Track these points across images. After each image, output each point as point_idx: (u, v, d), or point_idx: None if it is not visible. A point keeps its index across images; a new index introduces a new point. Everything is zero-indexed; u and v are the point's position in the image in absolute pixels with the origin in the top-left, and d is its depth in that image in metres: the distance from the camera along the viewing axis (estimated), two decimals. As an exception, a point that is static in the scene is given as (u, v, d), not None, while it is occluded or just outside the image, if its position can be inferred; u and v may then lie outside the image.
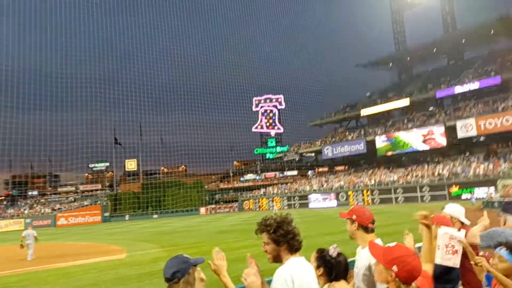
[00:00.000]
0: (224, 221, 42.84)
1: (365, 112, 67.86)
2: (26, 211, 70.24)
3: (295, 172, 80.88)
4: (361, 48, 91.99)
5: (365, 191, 54.09)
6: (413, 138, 56.29)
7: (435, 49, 68.63)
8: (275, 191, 69.20)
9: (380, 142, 60.32)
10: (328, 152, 68.45)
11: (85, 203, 73.12)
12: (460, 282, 3.83)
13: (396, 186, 51.12)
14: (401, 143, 57.67)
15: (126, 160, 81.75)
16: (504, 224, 4.26)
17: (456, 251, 3.36)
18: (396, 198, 50.14)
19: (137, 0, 78.31)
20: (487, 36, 61.81)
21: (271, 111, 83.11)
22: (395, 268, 2.15)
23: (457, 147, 53.34)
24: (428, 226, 2.80)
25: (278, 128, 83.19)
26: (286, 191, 67.41)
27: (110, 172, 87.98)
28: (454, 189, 44.59)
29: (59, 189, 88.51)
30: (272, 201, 64.76)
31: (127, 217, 67.98)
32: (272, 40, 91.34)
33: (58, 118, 71.79)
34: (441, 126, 53.69)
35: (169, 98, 79.73)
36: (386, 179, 54.68)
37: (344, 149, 65.66)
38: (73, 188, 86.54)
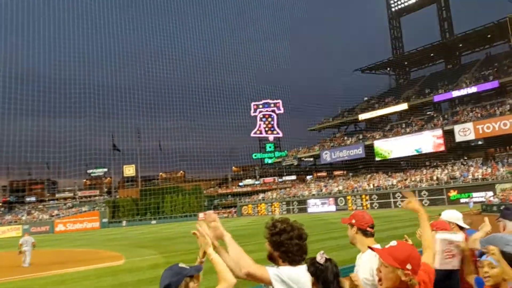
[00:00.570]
0: (223, 226, 42.64)
1: (363, 116, 68.02)
2: (24, 218, 69.97)
3: (293, 177, 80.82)
4: (359, 54, 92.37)
5: (363, 196, 54.05)
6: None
7: (432, 54, 69.00)
8: (274, 196, 69.13)
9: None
10: (327, 156, 68.51)
11: (83, 209, 72.89)
12: None
13: (394, 191, 51.12)
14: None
15: (124, 166, 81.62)
16: (504, 229, 4.25)
17: (454, 255, 3.35)
18: (395, 203, 50.11)
19: (134, 6, 78.51)
20: (484, 40, 62.23)
21: (270, 116, 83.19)
22: (409, 266, 2.18)
23: (455, 151, 53.48)
24: (416, 210, 2.98)
25: (277, 133, 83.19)
26: (285, 196, 67.33)
27: (108, 178, 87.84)
28: (453, 193, 44.61)
29: (57, 195, 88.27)
30: (271, 205, 64.73)
31: (124, 223, 67.70)
32: (270, 44, 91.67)
33: (56, 124, 71.66)
34: (439, 130, 53.83)
35: (167, 103, 79.70)
36: (384, 183, 54.70)
37: (343, 154, 65.73)
38: (71, 194, 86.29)
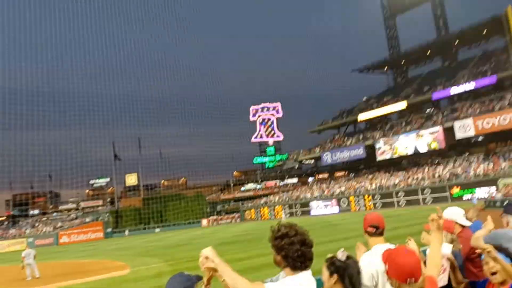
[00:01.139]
0: (226, 232, 42.64)
1: (362, 116, 68.02)
2: (27, 231, 69.87)
3: (295, 180, 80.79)
4: (356, 54, 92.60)
5: (366, 196, 53.95)
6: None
7: (429, 51, 69.07)
8: (276, 200, 69.02)
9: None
10: (328, 158, 68.45)
11: (87, 219, 72.78)
12: None
13: (397, 190, 51.03)
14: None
15: (126, 175, 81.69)
16: (507, 225, 4.25)
17: (445, 270, 3.32)
18: (398, 202, 50.02)
19: (133, 15, 78.81)
20: (480, 36, 62.29)
21: (269, 119, 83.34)
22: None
23: (456, 148, 53.41)
24: (438, 228, 2.86)
25: (278, 136, 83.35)
26: (287, 199, 67.23)
27: (111, 188, 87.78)
28: (455, 190, 44.51)
29: (60, 207, 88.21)
30: (274, 209, 64.65)
31: (126, 232, 67.59)
32: (267, 49, 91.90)
33: (56, 136, 71.95)
34: (439, 127, 53.79)
35: (166, 111, 79.89)
36: (386, 183, 54.62)
37: (344, 155, 65.69)
38: (74, 205, 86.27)
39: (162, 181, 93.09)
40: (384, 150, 59.47)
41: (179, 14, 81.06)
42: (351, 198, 55.63)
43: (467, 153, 52.09)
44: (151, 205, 73.39)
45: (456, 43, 66.62)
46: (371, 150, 61.33)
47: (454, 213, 4.18)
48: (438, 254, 2.82)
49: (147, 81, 78.54)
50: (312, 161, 77.49)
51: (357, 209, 53.83)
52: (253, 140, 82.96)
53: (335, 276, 2.46)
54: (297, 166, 77.75)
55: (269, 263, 2.68)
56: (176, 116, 78.31)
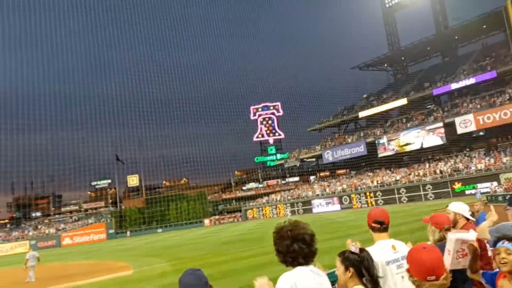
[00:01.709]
0: (228, 231, 42.67)
1: (363, 114, 67.94)
2: (30, 233, 69.98)
3: (296, 178, 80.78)
4: (356, 51, 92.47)
5: (368, 193, 53.94)
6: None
7: (428, 47, 68.96)
8: (278, 198, 69.03)
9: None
10: (329, 156, 68.41)
11: (90, 221, 72.90)
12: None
13: (399, 186, 51.02)
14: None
15: (128, 176, 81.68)
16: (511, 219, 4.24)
17: (466, 254, 3.32)
18: (400, 198, 50.00)
19: (133, 14, 78.76)
20: (480, 31, 62.18)
21: (270, 118, 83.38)
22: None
23: (458, 144, 53.33)
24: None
25: (279, 134, 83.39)
26: (289, 197, 67.24)
27: (113, 189, 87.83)
28: (457, 186, 44.48)
29: (63, 209, 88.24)
30: (276, 208, 64.66)
31: (128, 233, 67.68)
32: (266, 47, 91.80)
33: (58, 137, 71.99)
34: (440, 123, 53.74)
35: (167, 111, 79.86)
36: (388, 179, 54.60)
37: (345, 152, 65.64)
38: (76, 207, 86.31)
39: (164, 182, 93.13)
40: (387, 147, 59.47)
41: (179, 14, 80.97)
42: (353, 195, 55.63)
43: (468, 149, 52.02)
44: (153, 206, 73.47)
45: (455, 38, 66.51)
46: (372, 147, 61.27)
47: (459, 208, 4.23)
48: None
49: (147, 82, 78.42)
50: (313, 159, 77.47)
51: (359, 206, 53.85)
52: (254, 139, 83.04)
53: (351, 269, 2.46)
54: (298, 164, 77.71)
55: (273, 261, 2.68)
56: (176, 116, 78.25)
